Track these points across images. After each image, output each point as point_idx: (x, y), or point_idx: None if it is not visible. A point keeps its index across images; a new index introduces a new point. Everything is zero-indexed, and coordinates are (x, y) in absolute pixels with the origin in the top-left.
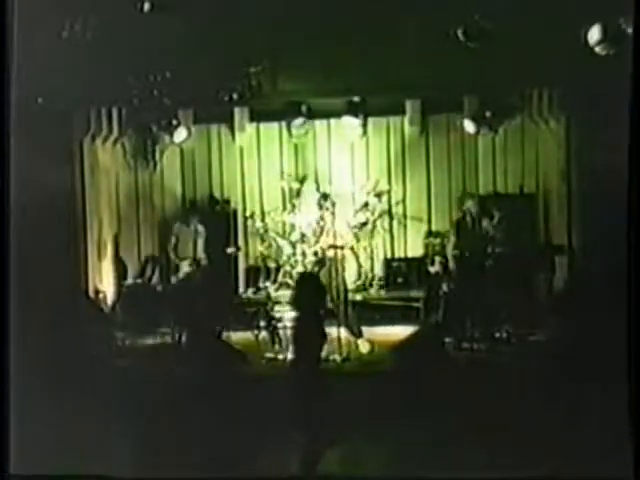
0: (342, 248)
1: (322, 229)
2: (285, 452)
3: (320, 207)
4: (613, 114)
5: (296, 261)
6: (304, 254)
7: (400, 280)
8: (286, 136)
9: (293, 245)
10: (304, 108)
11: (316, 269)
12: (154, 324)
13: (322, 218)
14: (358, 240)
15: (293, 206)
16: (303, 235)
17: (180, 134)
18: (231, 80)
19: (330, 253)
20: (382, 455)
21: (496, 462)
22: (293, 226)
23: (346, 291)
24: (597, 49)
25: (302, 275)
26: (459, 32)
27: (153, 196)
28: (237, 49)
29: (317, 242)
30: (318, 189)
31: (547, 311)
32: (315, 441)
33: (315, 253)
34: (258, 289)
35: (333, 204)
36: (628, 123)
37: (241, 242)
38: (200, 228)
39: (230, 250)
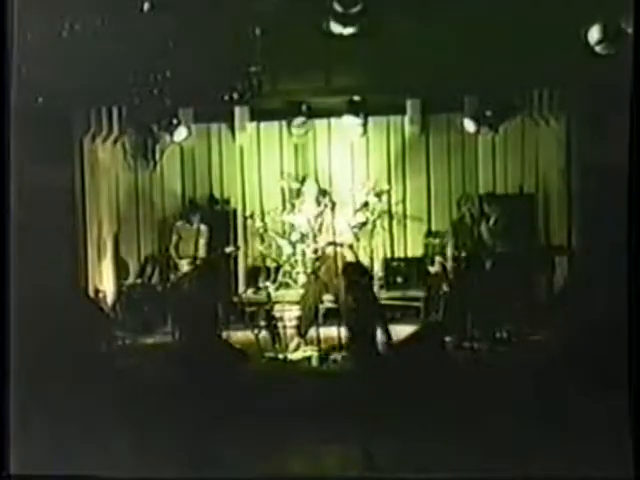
0: (341, 246)
1: (321, 226)
2: (286, 451)
3: (318, 204)
4: (613, 114)
5: (296, 261)
6: (304, 254)
7: (400, 280)
8: (286, 135)
9: (293, 245)
10: (304, 107)
11: (316, 267)
12: (154, 324)
13: (320, 214)
14: (358, 240)
15: (293, 206)
16: (303, 235)
17: (180, 133)
18: (231, 79)
19: (329, 250)
20: (381, 455)
21: (496, 462)
22: (293, 226)
23: None
24: (597, 49)
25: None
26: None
27: (153, 195)
28: (237, 49)
29: (315, 240)
30: (318, 188)
31: (547, 311)
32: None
33: (315, 251)
34: (258, 289)
35: (333, 203)
36: (628, 123)
37: (241, 242)
38: (202, 227)
39: (228, 250)
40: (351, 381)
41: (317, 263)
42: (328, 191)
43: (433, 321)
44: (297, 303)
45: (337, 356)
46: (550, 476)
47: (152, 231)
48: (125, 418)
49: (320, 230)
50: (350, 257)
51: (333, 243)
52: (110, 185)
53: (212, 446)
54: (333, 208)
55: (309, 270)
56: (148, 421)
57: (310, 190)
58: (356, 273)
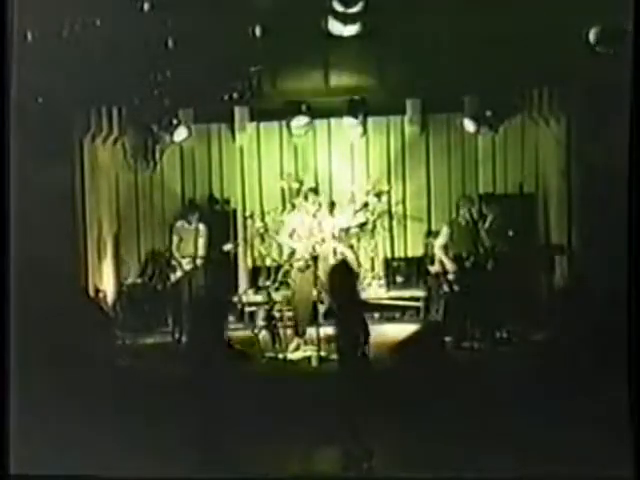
0: (325, 241)
1: (314, 225)
2: (285, 451)
3: (313, 203)
4: (613, 114)
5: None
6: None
7: (400, 280)
8: (286, 136)
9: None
10: (304, 107)
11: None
12: (154, 323)
13: (308, 212)
14: (358, 240)
15: (293, 206)
16: (300, 235)
17: (180, 133)
18: (231, 80)
19: (323, 249)
20: (382, 455)
21: (496, 462)
22: None
23: None
24: (597, 49)
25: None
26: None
27: (153, 196)
28: (237, 48)
29: (308, 239)
30: (312, 187)
31: (547, 311)
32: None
33: (313, 249)
34: (258, 288)
35: (332, 202)
36: (628, 123)
37: (241, 242)
38: (202, 227)
39: (228, 247)
40: (347, 382)
41: (309, 262)
42: (319, 190)
43: (433, 321)
44: (289, 303)
45: (334, 356)
46: (550, 476)
47: (152, 231)
48: (125, 418)
49: (310, 227)
50: (349, 256)
51: (323, 240)
52: (110, 185)
53: (212, 445)
54: (332, 207)
55: (307, 269)
56: (148, 421)
57: (307, 189)
58: (340, 275)
